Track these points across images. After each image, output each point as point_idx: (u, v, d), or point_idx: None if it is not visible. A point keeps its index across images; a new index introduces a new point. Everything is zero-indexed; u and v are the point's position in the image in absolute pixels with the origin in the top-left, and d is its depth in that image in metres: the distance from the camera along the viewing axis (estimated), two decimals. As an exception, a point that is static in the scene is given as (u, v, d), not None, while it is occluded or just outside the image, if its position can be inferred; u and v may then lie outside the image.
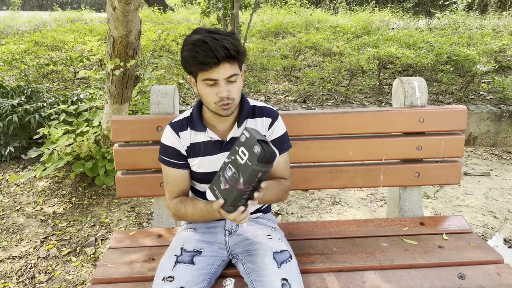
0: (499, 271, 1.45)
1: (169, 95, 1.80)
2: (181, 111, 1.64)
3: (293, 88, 5.03)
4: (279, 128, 1.47)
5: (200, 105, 1.44)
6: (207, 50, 1.20)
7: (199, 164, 1.43)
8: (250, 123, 1.44)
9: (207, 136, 1.41)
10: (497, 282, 1.40)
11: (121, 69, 2.51)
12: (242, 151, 1.10)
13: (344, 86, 4.89)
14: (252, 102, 1.48)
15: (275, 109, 1.49)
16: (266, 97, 4.73)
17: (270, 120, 1.45)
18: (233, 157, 1.12)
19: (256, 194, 1.16)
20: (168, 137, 1.44)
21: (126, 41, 2.43)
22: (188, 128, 1.43)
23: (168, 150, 1.43)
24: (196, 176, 1.46)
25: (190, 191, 1.53)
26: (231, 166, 1.13)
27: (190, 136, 1.43)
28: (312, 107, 4.42)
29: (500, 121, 4.19)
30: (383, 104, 4.58)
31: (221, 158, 1.41)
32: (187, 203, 1.41)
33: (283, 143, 1.48)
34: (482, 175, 3.52)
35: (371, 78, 5.14)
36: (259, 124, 1.45)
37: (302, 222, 1.80)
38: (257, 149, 1.05)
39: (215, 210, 1.22)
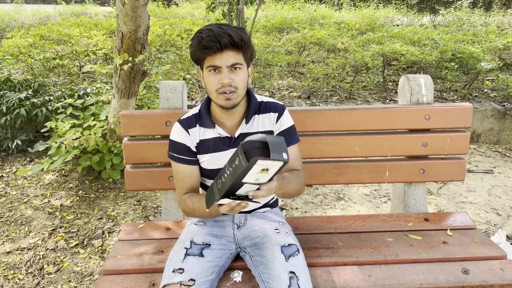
0: (503, 266, 1.47)
1: (178, 90, 1.82)
2: (188, 106, 1.66)
3: (297, 84, 5.04)
4: (286, 121, 1.49)
5: (208, 102, 1.46)
6: (211, 36, 1.25)
7: (208, 161, 1.44)
8: (257, 119, 1.46)
9: (216, 133, 1.43)
10: (501, 277, 1.42)
11: (129, 64, 2.53)
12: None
13: (348, 83, 4.89)
14: (260, 97, 1.49)
15: (281, 103, 1.51)
16: (271, 93, 4.75)
17: (276, 114, 1.47)
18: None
19: (251, 193, 1.09)
20: (178, 134, 1.45)
21: (135, 36, 2.45)
22: (197, 125, 1.45)
23: (177, 146, 1.44)
24: (205, 173, 1.48)
25: (200, 188, 1.55)
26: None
27: (199, 133, 1.45)
28: (316, 103, 4.44)
29: (503, 118, 4.20)
30: (387, 100, 4.59)
31: (230, 154, 1.42)
32: (195, 199, 1.41)
33: (291, 135, 1.49)
34: (485, 172, 3.54)
35: (376, 74, 5.15)
36: (266, 120, 1.46)
37: (308, 216, 1.83)
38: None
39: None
